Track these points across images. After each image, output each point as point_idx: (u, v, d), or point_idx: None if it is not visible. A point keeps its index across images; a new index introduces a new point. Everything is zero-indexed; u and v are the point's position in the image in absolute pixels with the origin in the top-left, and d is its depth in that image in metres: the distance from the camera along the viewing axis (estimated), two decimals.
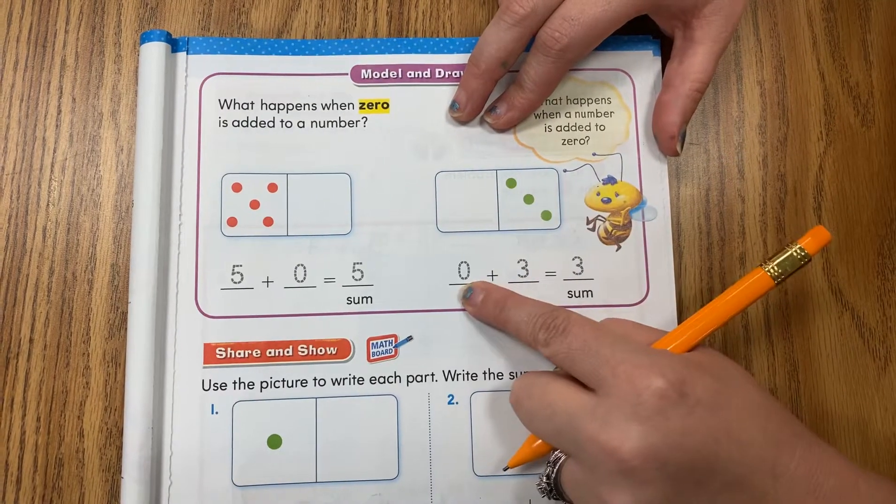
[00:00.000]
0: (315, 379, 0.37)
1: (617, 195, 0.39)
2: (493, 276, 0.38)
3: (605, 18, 0.36)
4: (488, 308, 0.37)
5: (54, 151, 0.40)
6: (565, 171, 0.39)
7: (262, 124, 0.39)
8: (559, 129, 0.40)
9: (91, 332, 0.38)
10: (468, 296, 0.38)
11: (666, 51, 0.40)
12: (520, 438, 0.37)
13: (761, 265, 0.34)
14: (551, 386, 0.33)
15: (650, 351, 0.32)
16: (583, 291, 0.38)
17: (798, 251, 0.34)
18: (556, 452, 0.33)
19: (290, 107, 0.39)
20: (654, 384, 0.30)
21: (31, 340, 0.38)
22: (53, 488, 0.37)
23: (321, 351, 0.37)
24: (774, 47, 0.43)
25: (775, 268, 0.34)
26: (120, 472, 0.36)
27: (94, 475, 0.37)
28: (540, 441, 0.34)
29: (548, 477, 0.33)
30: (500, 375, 0.37)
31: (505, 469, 0.36)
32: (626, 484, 0.30)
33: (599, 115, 0.40)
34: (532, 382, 0.34)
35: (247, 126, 0.39)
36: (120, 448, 0.37)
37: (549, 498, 0.34)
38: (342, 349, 0.37)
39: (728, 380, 0.32)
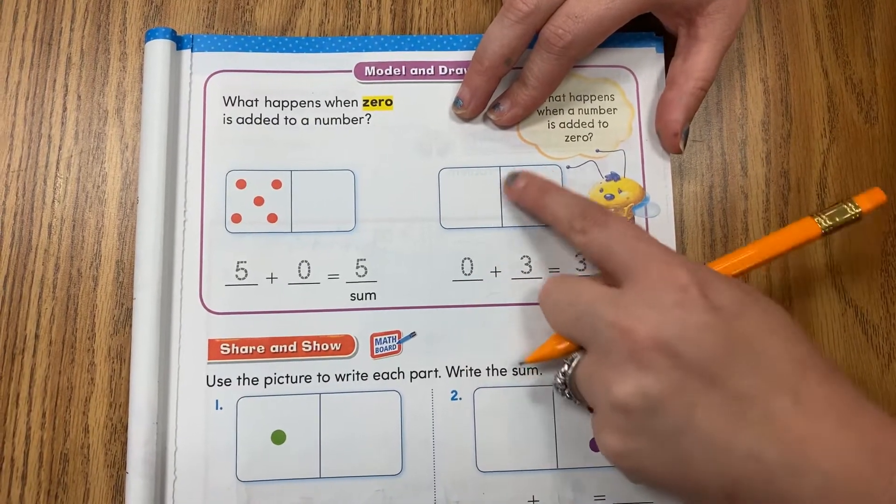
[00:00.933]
0: (319, 375, 0.37)
1: (620, 192, 0.39)
2: (496, 272, 0.38)
3: (609, 16, 0.36)
4: (530, 192, 0.37)
5: (59, 149, 0.40)
6: (568, 167, 0.40)
7: (266, 121, 0.39)
8: (562, 125, 0.40)
9: (96, 329, 0.38)
10: (510, 183, 0.38)
11: (669, 48, 0.40)
12: (523, 435, 0.37)
13: (812, 215, 0.34)
14: (580, 281, 0.34)
15: (687, 258, 0.33)
16: None
17: (851, 207, 0.34)
18: (574, 353, 0.34)
19: (294, 104, 0.40)
20: (680, 278, 0.30)
21: (36, 336, 0.38)
22: (59, 483, 0.37)
23: (325, 347, 0.37)
24: (778, 44, 0.43)
25: (825, 219, 0.34)
26: (125, 468, 0.36)
27: (100, 470, 0.37)
28: (559, 340, 0.35)
29: (563, 374, 0.34)
30: (503, 371, 0.38)
31: (522, 363, 0.37)
32: (632, 369, 0.30)
33: (603, 111, 0.40)
34: (563, 278, 0.35)
35: (251, 123, 0.39)
36: (125, 443, 0.37)
37: (562, 395, 0.35)
38: (346, 345, 0.37)
39: (759, 300, 0.31)
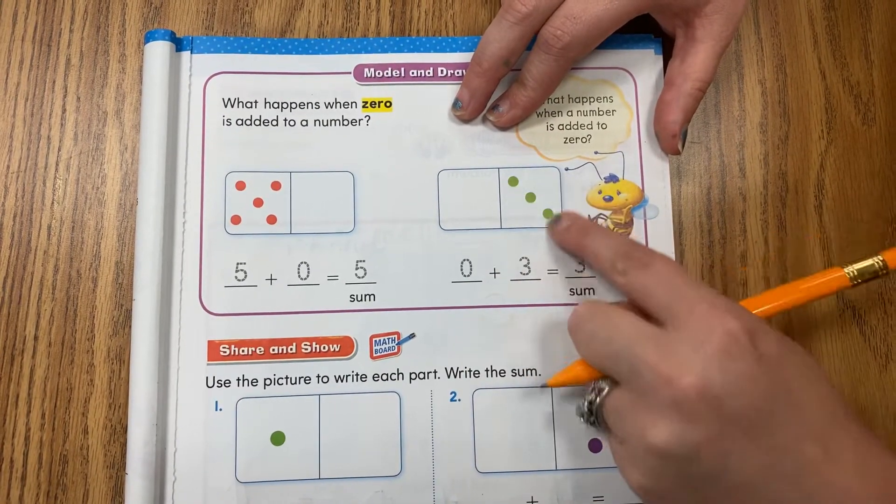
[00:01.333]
0: (318, 376, 0.37)
1: (619, 193, 0.39)
2: (495, 273, 0.38)
3: (608, 17, 0.36)
4: (572, 234, 0.37)
5: (59, 150, 0.40)
6: (567, 169, 0.40)
7: (265, 123, 0.39)
8: (561, 127, 0.40)
9: (95, 330, 0.38)
10: (555, 224, 0.38)
11: (668, 50, 0.40)
12: (522, 436, 0.37)
13: (842, 266, 0.35)
14: (617, 312, 0.32)
15: (731, 300, 0.32)
16: (585, 289, 0.39)
17: (879, 262, 0.35)
18: (601, 382, 0.33)
19: (294, 105, 0.40)
20: (728, 325, 0.30)
21: (35, 338, 0.38)
22: (58, 485, 0.37)
23: (324, 348, 0.37)
24: (775, 46, 0.43)
25: (854, 272, 0.35)
26: (124, 469, 0.36)
27: (99, 472, 0.37)
28: (585, 367, 0.34)
29: (590, 403, 0.33)
30: (502, 373, 0.38)
31: (543, 386, 0.37)
32: (672, 416, 0.29)
33: (601, 113, 0.40)
34: (597, 307, 0.33)
35: (250, 124, 0.39)
36: (124, 445, 0.37)
37: (586, 423, 0.34)
38: (345, 346, 0.38)
39: (797, 350, 0.31)
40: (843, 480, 0.28)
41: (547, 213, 0.39)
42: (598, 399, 0.33)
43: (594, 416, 0.33)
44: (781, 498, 0.29)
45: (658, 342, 0.30)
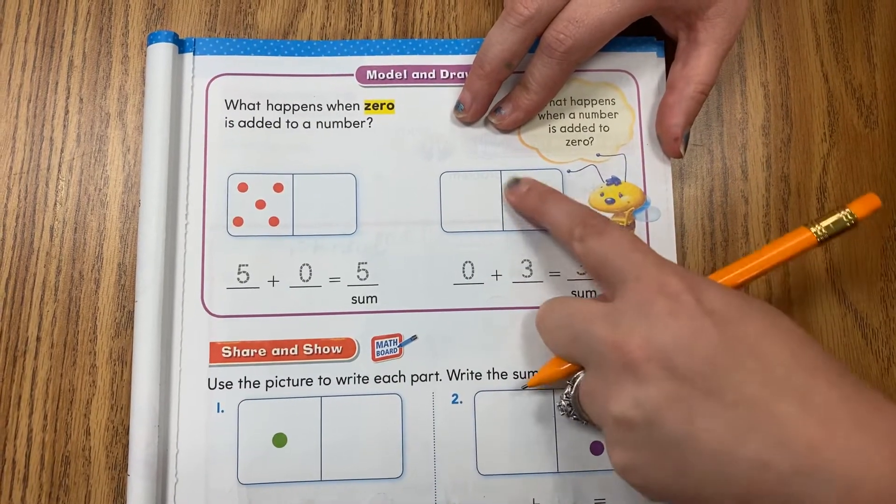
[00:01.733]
0: (320, 378, 0.37)
1: (621, 196, 0.39)
2: (497, 275, 0.38)
3: (610, 20, 0.36)
4: (531, 198, 0.38)
5: (62, 151, 0.40)
6: (569, 171, 0.40)
7: (267, 124, 0.39)
8: (563, 129, 0.40)
9: (98, 331, 0.38)
10: (512, 185, 0.38)
11: (670, 52, 0.40)
12: (524, 438, 0.37)
13: (807, 224, 0.34)
14: (572, 300, 0.34)
15: (681, 267, 0.32)
16: (587, 292, 0.39)
17: (847, 215, 0.34)
18: (577, 374, 0.34)
19: (296, 107, 0.40)
20: (671, 286, 0.30)
21: (38, 339, 0.38)
22: (60, 486, 0.37)
23: (326, 350, 0.37)
24: (778, 49, 0.43)
25: (821, 228, 0.34)
26: (126, 470, 0.36)
27: (101, 473, 0.37)
28: (558, 362, 0.35)
29: (567, 395, 0.34)
30: (504, 375, 0.38)
31: (524, 388, 0.37)
32: (628, 382, 0.29)
33: (603, 115, 0.40)
34: (556, 300, 0.35)
35: (253, 126, 0.39)
36: (126, 446, 0.37)
37: (569, 417, 0.35)
38: (347, 348, 0.38)
39: (757, 305, 0.30)
40: (839, 436, 0.26)
41: None
42: (572, 390, 0.34)
43: (572, 407, 0.34)
44: (768, 461, 0.26)
45: (608, 316, 0.31)
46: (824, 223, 0.34)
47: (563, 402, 0.35)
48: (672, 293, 0.30)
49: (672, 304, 0.30)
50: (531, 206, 0.38)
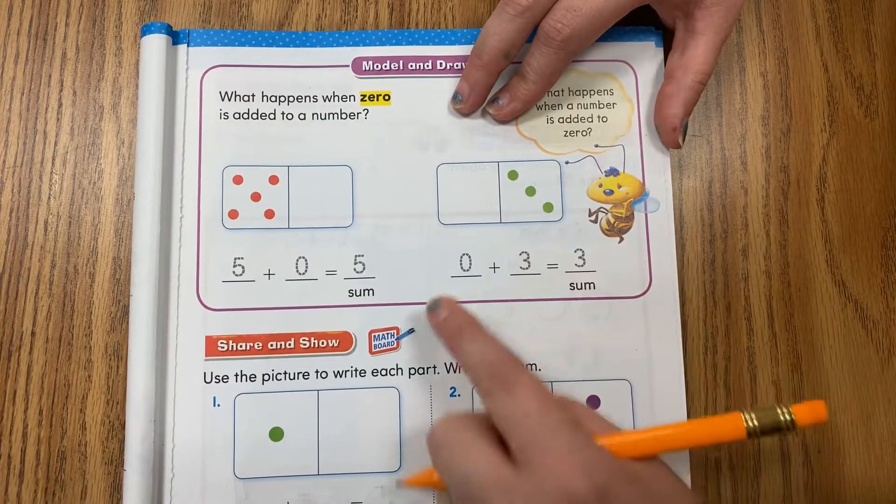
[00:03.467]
0: (317, 371, 0.37)
1: (619, 187, 0.39)
2: (494, 268, 0.38)
3: (608, 9, 0.35)
4: (448, 328, 0.34)
5: (55, 144, 0.40)
6: (567, 162, 0.39)
7: (263, 116, 0.39)
8: (561, 120, 0.40)
9: (93, 326, 0.38)
10: (433, 308, 0.35)
11: (668, 42, 0.40)
12: None
13: (742, 411, 0.31)
14: (475, 448, 0.30)
15: (588, 446, 0.29)
16: (585, 283, 0.38)
17: (786, 414, 0.31)
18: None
19: (292, 99, 0.39)
20: (577, 486, 0.28)
21: (32, 334, 0.38)
22: (56, 481, 0.37)
23: (323, 343, 0.37)
24: (777, 38, 0.42)
25: (754, 420, 0.31)
26: (122, 465, 0.36)
27: (97, 468, 0.37)
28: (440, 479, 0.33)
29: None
30: None
31: (399, 485, 0.36)
32: None
33: (602, 106, 0.40)
34: (456, 437, 0.31)
35: (248, 118, 0.39)
36: (122, 441, 0.37)
37: None
38: (344, 342, 0.37)
39: (661, 498, 0.29)
40: None
41: (547, 206, 0.39)
42: None
43: None
44: None
45: (508, 494, 0.28)
46: (759, 415, 0.31)
47: None
48: (573, 493, 0.28)
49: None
50: (445, 340, 0.34)
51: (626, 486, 0.28)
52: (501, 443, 0.30)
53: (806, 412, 0.31)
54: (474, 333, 0.33)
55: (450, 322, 0.34)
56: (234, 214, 0.38)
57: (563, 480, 0.28)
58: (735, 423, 0.31)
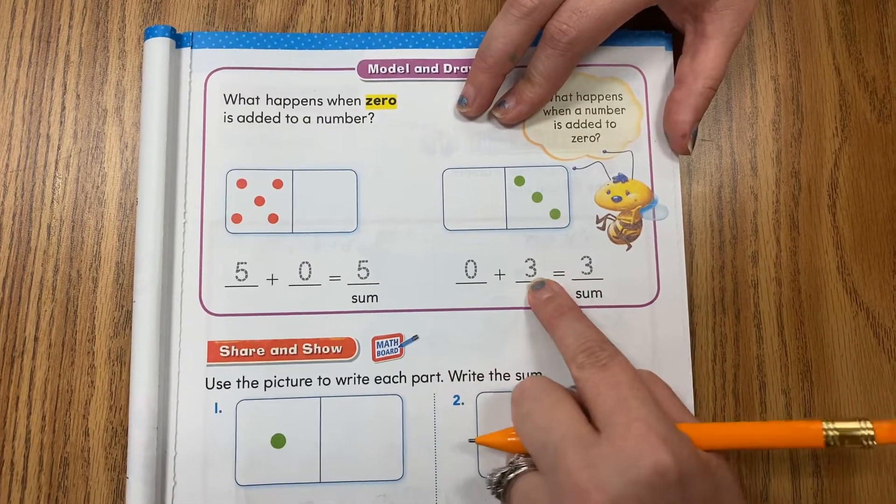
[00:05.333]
0: (320, 378, 0.37)
1: (628, 193, 0.39)
2: (500, 275, 0.38)
3: (614, 10, 0.35)
4: (548, 308, 0.36)
5: (58, 148, 0.39)
6: (575, 168, 0.39)
7: (267, 119, 0.39)
8: (569, 125, 0.39)
9: (96, 331, 0.38)
10: (536, 288, 0.37)
11: (678, 45, 0.39)
12: None
13: (824, 421, 0.32)
14: (564, 403, 0.32)
15: (673, 427, 0.30)
16: (592, 291, 0.38)
17: (866, 430, 0.32)
18: (520, 459, 0.33)
19: (296, 102, 0.39)
20: (661, 458, 0.28)
21: (35, 339, 0.38)
22: (59, 487, 0.37)
23: (326, 350, 0.37)
24: (789, 41, 0.42)
25: (835, 432, 0.32)
26: (125, 472, 0.36)
27: (100, 474, 0.37)
28: (514, 438, 0.33)
29: (503, 475, 0.33)
30: (506, 376, 0.37)
31: (471, 441, 0.36)
32: None
33: (610, 111, 0.39)
34: (546, 389, 0.33)
35: (252, 121, 0.39)
36: (125, 447, 0.37)
37: (491, 492, 0.33)
38: (347, 348, 0.37)
39: (724, 493, 0.30)
40: None
41: (554, 213, 0.38)
42: (511, 475, 0.32)
43: (502, 488, 0.33)
44: None
45: (587, 450, 0.29)
46: (840, 427, 0.32)
47: (494, 478, 0.33)
48: (659, 466, 0.28)
49: (654, 477, 0.28)
50: (545, 317, 0.36)
51: (702, 477, 0.29)
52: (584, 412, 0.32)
53: (886, 430, 0.32)
54: (576, 316, 0.36)
55: (552, 304, 0.36)
56: (237, 218, 0.38)
57: (649, 450, 0.29)
58: (814, 431, 0.32)
